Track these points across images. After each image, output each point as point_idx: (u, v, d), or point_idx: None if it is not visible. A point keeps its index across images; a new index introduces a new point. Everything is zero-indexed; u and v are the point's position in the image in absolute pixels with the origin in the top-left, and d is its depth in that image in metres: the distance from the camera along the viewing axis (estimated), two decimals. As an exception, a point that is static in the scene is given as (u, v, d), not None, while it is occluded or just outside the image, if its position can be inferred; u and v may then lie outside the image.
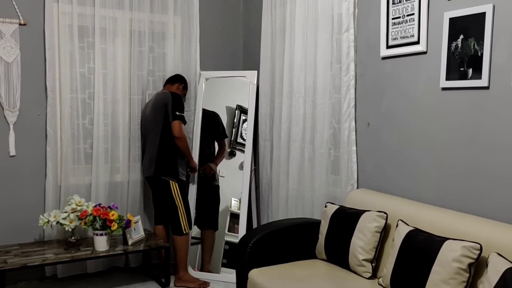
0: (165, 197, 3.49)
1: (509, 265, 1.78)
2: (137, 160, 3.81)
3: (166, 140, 3.47)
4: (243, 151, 3.90)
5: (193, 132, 3.96)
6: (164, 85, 3.78)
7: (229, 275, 3.65)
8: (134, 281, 3.63)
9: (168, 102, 3.46)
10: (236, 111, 4.03)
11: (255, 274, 2.50)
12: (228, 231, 3.88)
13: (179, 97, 3.55)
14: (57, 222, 3.27)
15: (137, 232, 3.51)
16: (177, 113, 3.45)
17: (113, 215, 3.25)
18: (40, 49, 3.45)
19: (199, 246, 3.84)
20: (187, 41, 3.97)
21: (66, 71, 3.52)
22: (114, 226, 3.23)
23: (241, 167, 3.92)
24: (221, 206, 3.91)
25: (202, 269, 3.77)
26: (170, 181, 3.46)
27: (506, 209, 2.14)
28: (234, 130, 4.01)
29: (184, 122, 3.51)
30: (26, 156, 3.46)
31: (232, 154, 4.01)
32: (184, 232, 3.49)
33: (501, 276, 1.75)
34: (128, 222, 3.35)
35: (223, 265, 3.77)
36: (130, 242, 3.41)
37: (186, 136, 3.58)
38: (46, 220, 3.27)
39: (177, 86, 3.73)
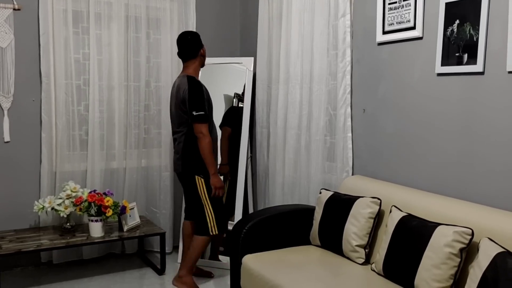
0: (193, 194, 3.20)
1: (499, 249, 1.78)
2: (133, 147, 3.80)
3: (191, 138, 3.11)
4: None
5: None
6: (184, 59, 3.28)
7: (223, 262, 3.66)
8: (130, 267, 3.64)
9: (185, 99, 3.07)
10: (234, 99, 4.01)
11: (248, 260, 2.51)
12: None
13: (195, 87, 3.09)
14: (52, 208, 3.27)
15: (133, 219, 3.51)
16: (194, 113, 3.03)
17: (108, 201, 3.25)
18: (34, 34, 3.43)
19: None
20: (183, 27, 3.94)
21: (60, 56, 3.50)
22: (109, 212, 3.23)
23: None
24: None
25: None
26: (196, 177, 3.13)
27: (499, 195, 2.14)
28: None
29: (205, 121, 3.06)
30: (20, 142, 3.45)
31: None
32: (211, 233, 3.14)
33: (492, 260, 1.75)
34: (123, 209, 3.35)
35: (221, 253, 3.78)
36: (125, 228, 3.42)
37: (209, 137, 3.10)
38: (41, 206, 3.28)
39: (199, 60, 3.28)
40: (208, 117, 3.11)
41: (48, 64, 3.46)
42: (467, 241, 1.94)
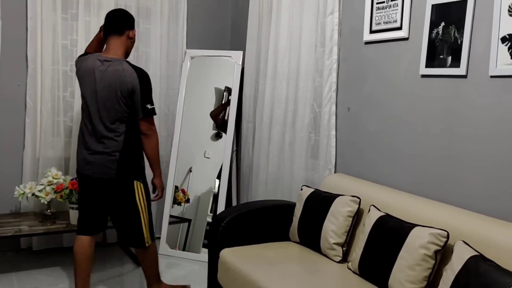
0: (126, 202, 2.68)
1: (473, 253, 1.79)
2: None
3: (132, 137, 2.64)
4: (224, 129, 3.88)
5: (176, 115, 3.90)
6: (106, 33, 2.69)
7: (205, 255, 3.66)
8: (111, 257, 3.63)
9: (135, 89, 2.54)
10: (225, 93, 4.00)
11: (226, 254, 2.50)
12: (211, 212, 3.89)
13: (146, 77, 2.63)
14: (33, 194, 3.25)
15: (115, 208, 3.49)
16: (149, 106, 2.60)
17: (90, 190, 3.23)
18: (22, 18, 3.39)
19: (181, 225, 3.84)
20: (174, 18, 3.92)
21: (48, 42, 3.46)
22: (91, 201, 3.21)
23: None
24: (205, 188, 3.90)
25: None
26: (135, 182, 2.67)
27: (477, 198, 2.15)
28: (222, 112, 3.98)
29: (154, 115, 2.68)
30: (4, 126, 3.43)
31: (218, 136, 3.99)
32: (147, 244, 2.76)
33: (464, 264, 1.76)
34: (105, 198, 3.33)
35: (204, 246, 3.78)
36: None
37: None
38: (22, 192, 3.25)
39: (125, 41, 2.68)
40: (155, 113, 2.69)
41: (35, 49, 3.43)
42: (442, 243, 1.95)
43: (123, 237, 2.92)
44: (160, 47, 3.86)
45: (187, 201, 3.93)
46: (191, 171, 3.96)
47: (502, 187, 2.05)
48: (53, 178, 3.27)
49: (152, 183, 2.84)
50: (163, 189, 2.89)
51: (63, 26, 3.53)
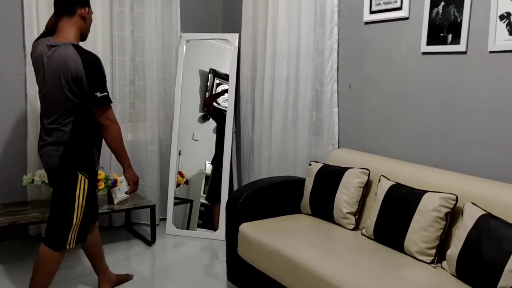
0: (63, 195, 2.44)
1: (482, 212, 1.99)
2: (119, 122, 3.74)
3: (80, 127, 2.40)
4: (215, 116, 3.96)
5: (175, 99, 3.96)
6: (57, 14, 2.43)
7: (205, 232, 3.82)
8: (118, 239, 3.71)
9: (80, 76, 2.27)
10: (210, 75, 4.07)
11: (246, 228, 2.64)
12: (203, 193, 4.01)
13: (93, 62, 2.34)
14: (43, 182, 3.29)
15: (122, 192, 3.57)
16: (99, 94, 2.31)
17: (99, 174, 3.29)
18: (17, 6, 3.37)
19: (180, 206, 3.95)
20: (167, 1, 3.95)
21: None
22: (101, 186, 3.28)
23: (214, 130, 4.02)
24: (195, 170, 4.02)
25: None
26: (79, 175, 2.41)
27: (479, 164, 2.35)
28: (207, 94, 4.06)
29: (110, 103, 2.40)
30: (6, 115, 3.43)
31: (205, 118, 4.08)
32: (68, 247, 2.47)
33: (476, 222, 1.96)
34: (115, 182, 3.41)
35: (199, 226, 3.91)
36: (115, 201, 3.48)
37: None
38: (30, 180, 3.29)
39: (77, 23, 2.42)
40: (111, 101, 2.41)
41: (32, 37, 3.38)
42: (452, 206, 2.14)
43: (46, 231, 2.54)
44: (155, 31, 3.89)
45: (186, 182, 4.03)
46: (180, 154, 4.05)
47: (501, 155, 2.26)
48: (62, 165, 3.31)
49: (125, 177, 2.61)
50: (135, 182, 2.60)
51: (59, 13, 3.51)
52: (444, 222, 2.15)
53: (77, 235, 2.49)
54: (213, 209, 3.93)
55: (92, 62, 2.33)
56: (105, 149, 3.71)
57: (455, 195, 2.15)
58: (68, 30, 2.39)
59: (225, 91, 3.98)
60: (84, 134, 2.43)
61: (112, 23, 3.73)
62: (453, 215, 2.17)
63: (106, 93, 2.36)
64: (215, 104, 4.03)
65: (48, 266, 2.48)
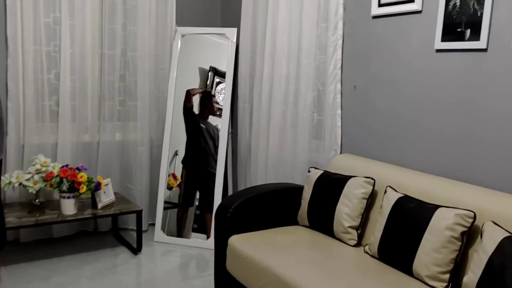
0: None
1: (506, 234, 1.71)
2: (107, 120, 3.59)
3: None
4: (219, 116, 3.73)
5: (168, 97, 3.72)
6: None
7: (195, 240, 3.57)
8: (103, 246, 3.46)
9: None
10: (210, 73, 3.83)
11: (235, 241, 2.38)
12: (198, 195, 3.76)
13: None
14: (20, 184, 3.05)
15: (107, 195, 3.33)
16: None
17: (81, 177, 3.05)
18: (-1, -4, 3.14)
19: (169, 211, 3.70)
20: (162, -7, 3.72)
21: (29, 20, 3.22)
22: (83, 189, 3.03)
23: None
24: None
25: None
26: None
27: (500, 177, 2.08)
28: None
29: None
30: (-16, 111, 3.18)
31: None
32: None
33: (498, 245, 1.68)
34: (98, 185, 3.16)
35: (194, 230, 3.66)
36: (99, 205, 3.23)
37: None
38: (8, 182, 3.05)
39: None
40: None
41: (15, 28, 3.18)
42: (468, 224, 1.87)
43: None
44: (148, 24, 3.65)
45: (179, 185, 3.79)
46: (176, 154, 3.81)
47: (527, 165, 1.99)
48: (42, 166, 3.07)
49: None
50: None
51: (45, 2, 3.28)
52: (460, 243, 1.88)
53: None
54: (205, 215, 3.67)
55: None
56: (90, 149, 3.54)
57: (473, 211, 1.88)
58: None
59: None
60: None
61: (103, 15, 3.49)
62: (469, 235, 1.90)
63: None
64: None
65: None
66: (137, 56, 3.66)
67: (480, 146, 2.17)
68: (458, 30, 2.23)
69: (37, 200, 3.18)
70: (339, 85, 2.89)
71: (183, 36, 3.77)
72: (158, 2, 3.70)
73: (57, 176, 3.04)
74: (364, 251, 2.26)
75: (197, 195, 3.74)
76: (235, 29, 3.69)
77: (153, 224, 3.71)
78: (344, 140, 2.91)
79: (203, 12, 3.98)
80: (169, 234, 3.63)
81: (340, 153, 2.91)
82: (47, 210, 3.16)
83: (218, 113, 3.75)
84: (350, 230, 2.34)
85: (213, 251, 3.30)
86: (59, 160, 3.34)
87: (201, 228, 3.65)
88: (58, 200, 3.16)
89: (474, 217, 1.88)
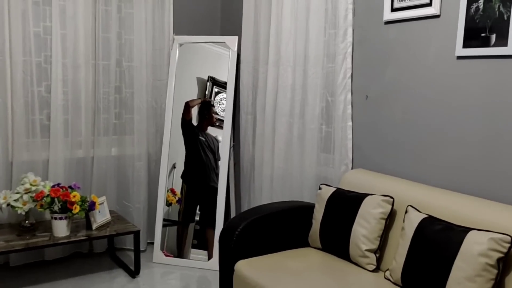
0: None
1: (550, 262, 1.53)
2: (102, 134, 3.39)
3: None
4: (219, 127, 3.54)
5: (166, 109, 3.53)
6: None
7: (197, 262, 3.36)
8: (99, 268, 3.25)
9: None
10: (208, 83, 3.65)
11: (242, 266, 2.19)
12: (199, 210, 3.56)
13: None
14: (8, 204, 2.84)
15: (102, 215, 3.12)
16: None
17: (74, 196, 2.85)
18: (-15, 3, 2.95)
19: (167, 228, 3.50)
20: (159, 1, 3.54)
21: (17, 30, 3.03)
22: (76, 209, 2.83)
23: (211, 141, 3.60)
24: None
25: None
26: None
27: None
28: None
29: None
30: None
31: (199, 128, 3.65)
32: None
33: (543, 275, 1.50)
34: (92, 204, 2.95)
35: (193, 246, 3.47)
36: (94, 226, 3.02)
37: None
38: (-5, 202, 2.84)
39: None
40: None
41: (2, 38, 3.00)
42: (505, 250, 1.68)
43: None
44: (145, 33, 3.47)
45: (178, 201, 3.59)
46: (175, 167, 3.62)
47: None
48: (31, 185, 2.86)
49: None
50: None
51: (35, 11, 3.10)
52: (496, 271, 1.69)
53: None
54: (206, 231, 3.47)
55: None
56: (85, 165, 3.34)
57: (509, 235, 1.69)
58: None
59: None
60: None
61: (96, 23, 3.31)
62: (506, 262, 1.71)
63: None
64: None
65: None
66: (133, 66, 3.48)
67: (508, 162, 1.98)
68: (482, 35, 2.06)
69: (27, 222, 2.97)
70: (349, 95, 2.71)
71: (181, 45, 3.59)
72: (155, 10, 3.53)
73: (47, 195, 2.84)
74: (385, 277, 2.06)
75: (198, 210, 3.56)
76: (235, 37, 3.51)
77: (152, 243, 3.51)
78: (356, 153, 2.72)
79: (202, 20, 3.81)
80: (169, 252, 3.42)
81: (352, 167, 2.72)
82: (38, 232, 2.95)
83: (217, 124, 3.58)
84: (368, 253, 2.15)
85: (215, 272, 3.14)
86: (51, 178, 3.14)
87: (201, 244, 3.46)
88: (50, 221, 2.96)
89: (511, 242, 1.69)
